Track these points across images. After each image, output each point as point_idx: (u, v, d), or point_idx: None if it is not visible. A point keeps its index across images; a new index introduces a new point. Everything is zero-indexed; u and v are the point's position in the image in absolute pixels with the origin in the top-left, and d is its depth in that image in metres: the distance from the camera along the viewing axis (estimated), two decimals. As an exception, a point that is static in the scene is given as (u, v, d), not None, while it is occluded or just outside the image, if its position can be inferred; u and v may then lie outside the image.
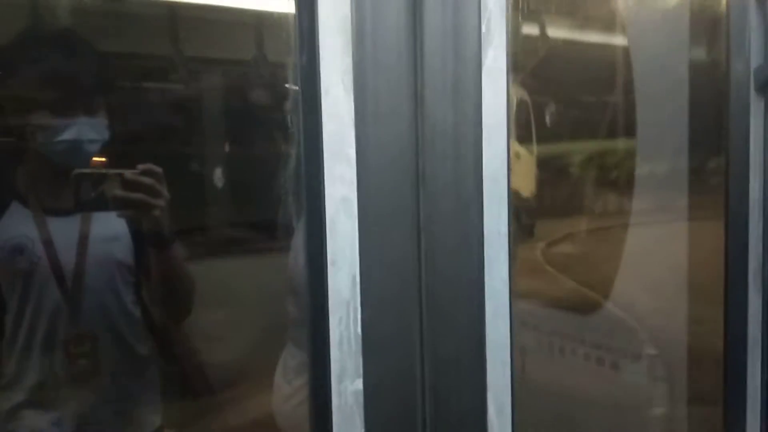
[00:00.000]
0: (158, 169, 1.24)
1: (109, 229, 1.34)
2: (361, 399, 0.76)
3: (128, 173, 1.22)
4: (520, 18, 0.85)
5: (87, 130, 1.27)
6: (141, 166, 1.23)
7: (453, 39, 0.78)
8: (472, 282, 0.83)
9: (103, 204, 1.23)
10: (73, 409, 1.36)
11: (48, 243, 1.31)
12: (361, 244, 0.75)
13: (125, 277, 1.39)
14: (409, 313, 0.80)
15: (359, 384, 0.76)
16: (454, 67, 0.79)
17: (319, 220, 0.73)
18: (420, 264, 0.80)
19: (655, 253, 1.43)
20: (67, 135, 1.27)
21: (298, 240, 1.51)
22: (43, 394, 1.35)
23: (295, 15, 0.71)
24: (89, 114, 1.29)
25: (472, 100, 0.80)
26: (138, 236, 1.36)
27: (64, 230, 1.32)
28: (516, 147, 0.85)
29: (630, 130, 1.40)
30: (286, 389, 1.64)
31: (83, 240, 1.33)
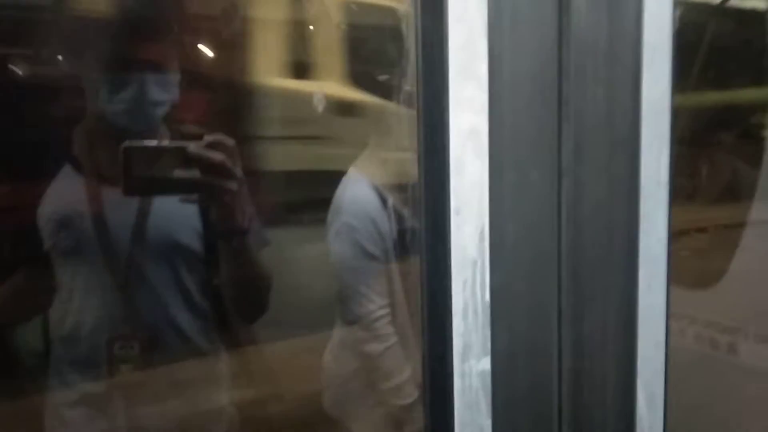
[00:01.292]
0: (230, 141, 1.01)
1: (174, 206, 1.13)
2: (488, 381, 0.61)
3: (192, 146, 0.98)
4: None
5: (152, 89, 1.11)
6: (208, 137, 0.99)
7: (611, -73, 0.61)
8: (623, 241, 0.66)
9: (160, 185, 1.00)
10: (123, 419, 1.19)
11: (98, 218, 1.13)
12: (491, 190, 0.60)
13: (191, 264, 1.19)
14: (547, 277, 0.64)
15: (486, 363, 0.61)
16: (612, -36, 0.61)
17: (441, 156, 0.58)
18: (560, 217, 0.64)
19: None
20: (129, 92, 1.10)
21: (343, 217, 1.33)
22: (90, 399, 1.20)
23: None
24: (156, 69, 1.12)
25: (631, 9, 0.63)
26: (208, 218, 1.16)
27: (119, 205, 1.13)
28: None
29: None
30: (333, 368, 1.50)
31: (141, 218, 1.14)
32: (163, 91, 1.12)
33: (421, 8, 0.57)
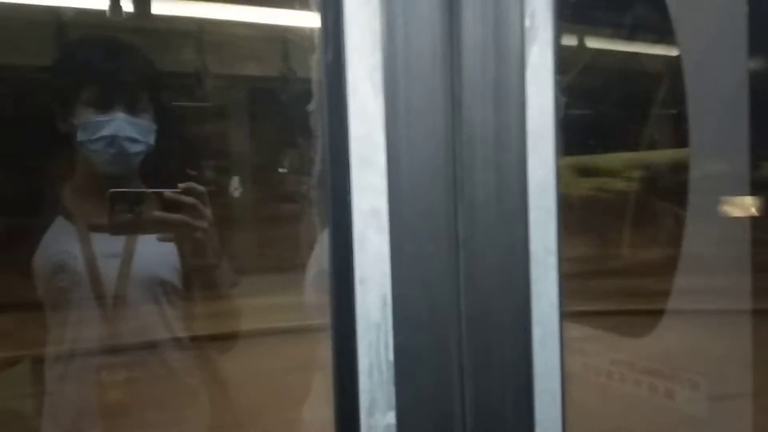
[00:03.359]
0: (200, 188, 1.18)
1: (155, 246, 1.28)
2: (393, 435, 0.68)
3: (168, 192, 1.16)
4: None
5: (126, 127, 1.23)
6: (182, 185, 1.17)
7: (493, 34, 0.71)
8: (517, 305, 0.74)
9: (142, 225, 1.17)
10: None
11: (90, 260, 1.27)
12: (392, 261, 0.68)
13: (171, 298, 1.33)
14: (447, 338, 0.71)
15: (391, 417, 0.68)
16: (495, 65, 0.71)
17: (346, 233, 0.66)
18: (458, 284, 0.72)
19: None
20: (106, 131, 1.23)
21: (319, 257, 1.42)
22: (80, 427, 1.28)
23: (319, 6, 0.64)
24: (130, 112, 1.24)
25: (515, 102, 0.73)
26: (184, 254, 1.30)
27: (107, 247, 1.27)
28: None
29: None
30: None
31: (127, 258, 1.28)
32: (140, 142, 1.24)
33: (327, 107, 0.66)
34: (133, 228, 1.18)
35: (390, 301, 0.68)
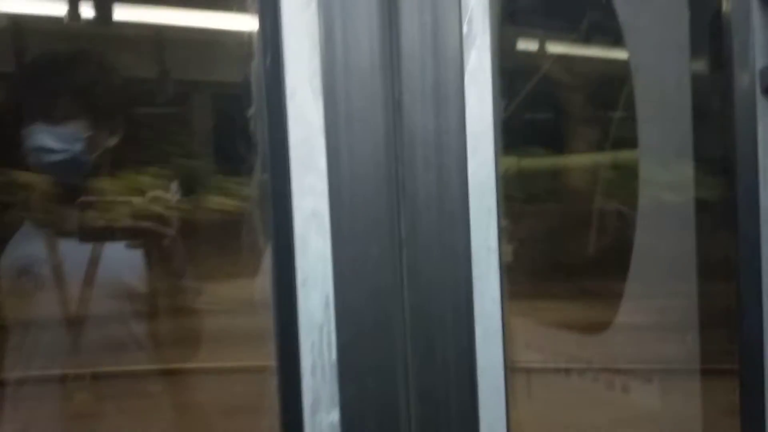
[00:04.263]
0: (169, 197, 1.19)
1: (122, 252, 1.27)
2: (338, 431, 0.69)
3: (136, 200, 1.16)
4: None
5: (43, 138, 1.22)
6: (150, 194, 1.18)
7: (432, 39, 0.73)
8: (459, 303, 0.76)
9: (110, 232, 1.17)
10: None
11: (57, 265, 1.26)
12: (334, 262, 0.69)
13: (136, 305, 1.33)
14: (391, 337, 0.73)
15: (335, 415, 0.69)
16: (434, 69, 0.73)
17: (287, 235, 0.67)
18: (401, 283, 0.73)
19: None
20: (30, 142, 1.23)
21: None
22: None
23: (257, 10, 0.65)
24: (51, 122, 1.24)
25: (454, 106, 0.75)
26: (151, 263, 1.30)
27: (74, 252, 1.27)
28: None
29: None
30: None
31: (93, 263, 1.28)
32: (60, 151, 1.23)
33: (267, 112, 0.67)
34: (102, 236, 1.19)
35: (332, 301, 0.69)
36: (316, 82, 0.67)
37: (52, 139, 1.21)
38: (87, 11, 1.69)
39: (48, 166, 1.23)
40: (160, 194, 1.20)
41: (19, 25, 1.74)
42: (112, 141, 1.28)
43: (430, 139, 0.74)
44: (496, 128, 0.77)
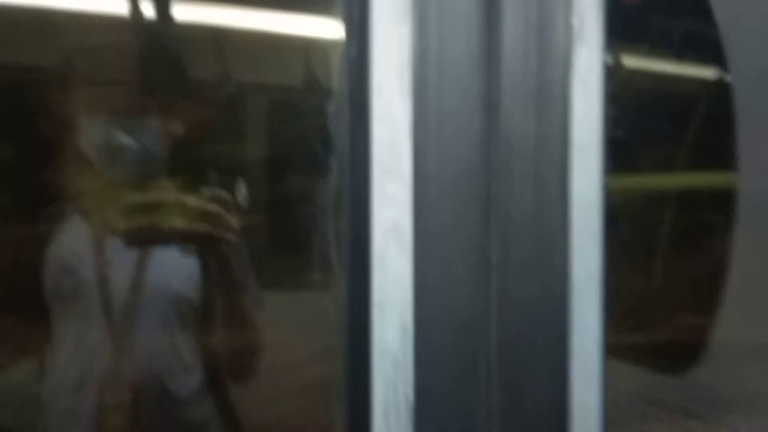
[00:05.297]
0: (227, 197, 1.09)
1: (173, 256, 1.17)
2: (410, 487, 0.59)
3: (191, 200, 1.06)
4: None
5: (118, 135, 1.15)
6: (207, 193, 1.08)
7: (536, 34, 0.63)
8: (553, 340, 0.65)
9: (162, 235, 1.08)
10: None
11: (101, 265, 1.18)
12: (415, 285, 0.59)
13: (184, 316, 1.21)
14: (475, 376, 0.62)
15: (408, 466, 0.59)
16: (538, 67, 0.64)
17: (363, 251, 0.58)
18: (489, 313, 0.63)
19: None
20: (99, 137, 1.16)
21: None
22: None
23: (343, -6, 0.57)
24: (126, 118, 1.17)
25: (558, 111, 0.65)
26: (206, 269, 1.19)
27: (122, 251, 1.17)
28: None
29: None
30: None
31: (141, 264, 1.19)
32: (136, 149, 1.16)
33: (349, 109, 0.59)
34: (150, 241, 1.09)
35: (411, 330, 0.59)
36: (405, 77, 0.58)
37: (123, 135, 1.15)
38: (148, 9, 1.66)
39: (117, 163, 1.16)
40: (219, 193, 1.09)
41: (81, 21, 1.73)
42: (176, 137, 1.21)
43: (529, 147, 0.64)
44: (605, 139, 0.66)
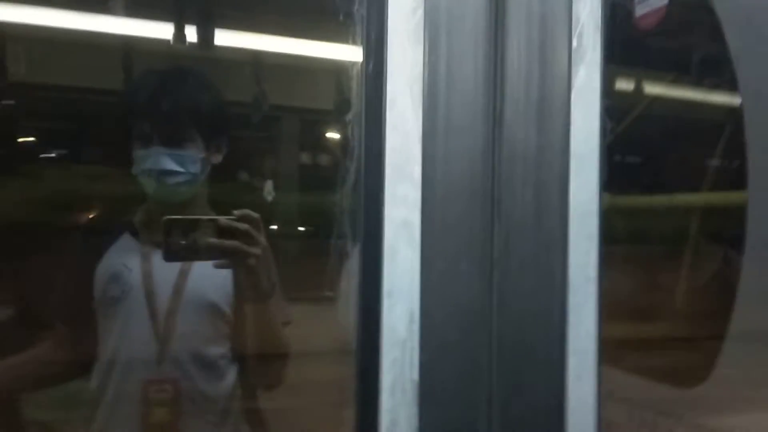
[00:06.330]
0: (255, 215, 1.19)
1: (210, 269, 1.26)
2: (413, 459, 0.65)
3: (222, 219, 1.17)
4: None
5: (163, 160, 1.26)
6: (237, 212, 1.18)
7: (538, 52, 0.70)
8: (551, 334, 0.71)
9: (196, 252, 1.18)
10: None
11: (147, 274, 1.30)
12: (422, 276, 0.66)
13: (217, 324, 1.33)
14: (476, 360, 0.68)
15: (412, 440, 0.65)
16: (539, 83, 0.70)
17: (376, 243, 0.65)
18: (491, 305, 0.69)
19: None
20: (146, 164, 1.27)
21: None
22: None
23: (363, 15, 0.65)
24: (169, 144, 1.27)
25: (558, 123, 0.71)
26: (237, 281, 1.30)
27: (165, 266, 1.26)
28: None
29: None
30: None
31: (182, 275, 1.31)
32: (180, 173, 1.27)
33: (365, 117, 0.66)
34: (186, 255, 1.19)
35: (418, 317, 0.66)
36: (417, 90, 0.65)
37: (173, 163, 1.26)
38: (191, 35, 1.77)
39: (164, 188, 1.27)
40: (248, 213, 1.19)
41: (128, 47, 1.85)
42: (218, 160, 1.32)
43: (531, 155, 0.70)
44: (602, 149, 0.72)
